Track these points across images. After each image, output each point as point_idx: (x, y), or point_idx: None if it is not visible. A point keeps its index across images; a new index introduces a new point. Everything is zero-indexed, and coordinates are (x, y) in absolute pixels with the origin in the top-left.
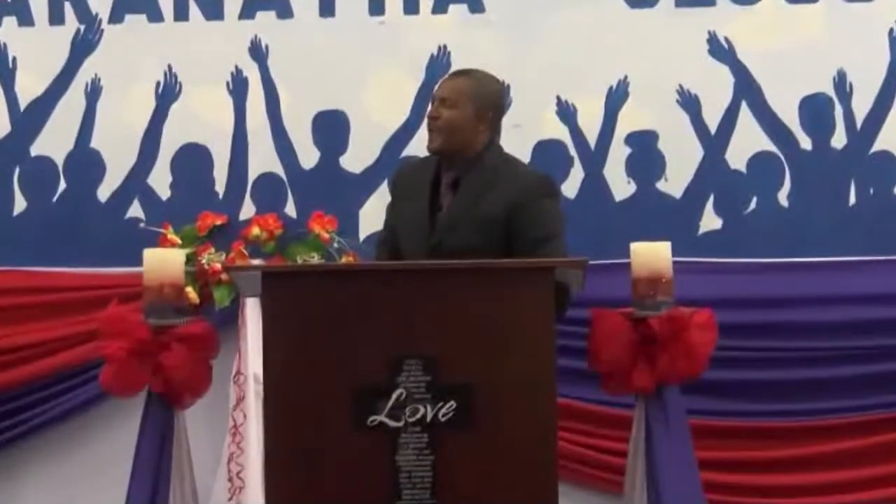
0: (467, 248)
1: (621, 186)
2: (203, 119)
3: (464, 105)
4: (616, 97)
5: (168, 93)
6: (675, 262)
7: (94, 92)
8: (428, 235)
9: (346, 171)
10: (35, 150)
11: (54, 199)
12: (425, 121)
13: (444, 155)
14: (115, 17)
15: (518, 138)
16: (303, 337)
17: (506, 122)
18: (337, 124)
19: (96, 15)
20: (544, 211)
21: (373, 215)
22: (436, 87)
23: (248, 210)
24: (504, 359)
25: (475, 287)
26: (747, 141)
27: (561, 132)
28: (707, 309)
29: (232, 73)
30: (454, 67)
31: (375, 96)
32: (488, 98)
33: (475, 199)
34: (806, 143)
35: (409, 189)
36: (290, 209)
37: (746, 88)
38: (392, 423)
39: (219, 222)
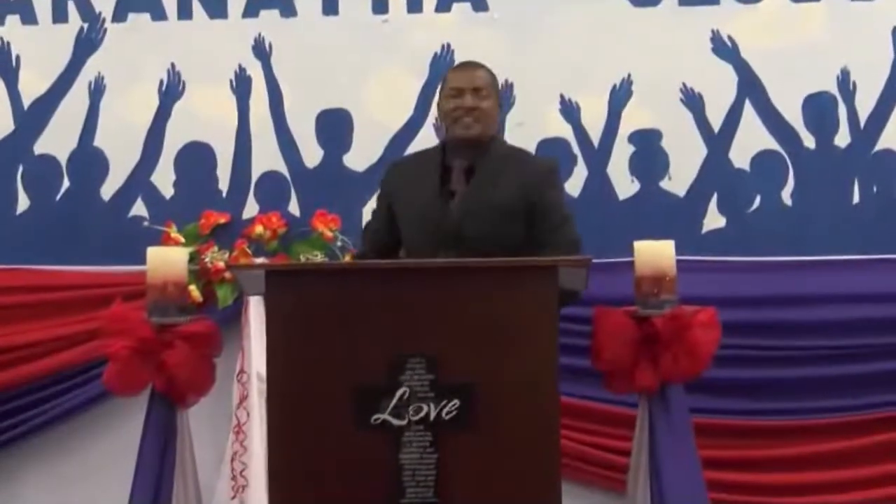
0: (489, 233)
1: (625, 185)
2: (206, 117)
3: (493, 95)
4: (619, 95)
5: (171, 91)
6: (678, 261)
7: (97, 90)
8: (440, 222)
9: (350, 169)
10: (38, 148)
11: (57, 197)
12: (433, 110)
13: (463, 144)
14: (119, 16)
15: (522, 136)
16: (306, 335)
17: (509, 119)
18: (340, 123)
19: (99, 13)
20: (558, 194)
21: None
22: (452, 77)
23: (251, 208)
24: (507, 357)
25: (478, 286)
26: (751, 139)
27: (564, 130)
28: (710, 307)
29: (235, 72)
30: None
31: (379, 95)
32: (499, 89)
33: (492, 184)
34: (809, 141)
35: (412, 180)
36: (294, 207)
37: (750, 87)
38: (395, 422)
39: (222, 221)
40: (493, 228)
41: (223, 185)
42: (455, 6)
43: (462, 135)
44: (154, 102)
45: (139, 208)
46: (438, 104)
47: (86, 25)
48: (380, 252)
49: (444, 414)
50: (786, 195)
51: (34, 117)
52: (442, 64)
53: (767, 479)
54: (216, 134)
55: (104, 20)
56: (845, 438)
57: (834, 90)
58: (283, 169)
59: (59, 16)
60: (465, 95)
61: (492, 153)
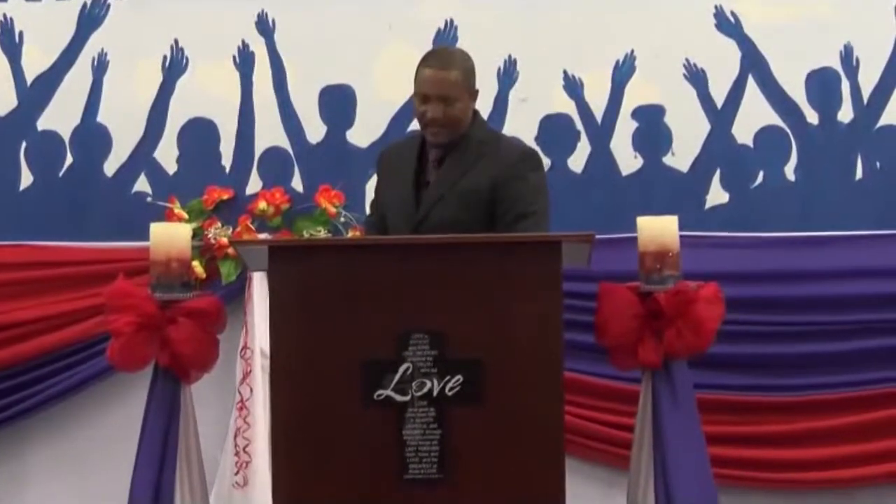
0: (451, 222)
1: (628, 160)
2: (210, 93)
3: (462, 97)
4: (623, 71)
5: (175, 67)
6: (681, 237)
7: (100, 66)
8: (412, 211)
9: (353, 145)
10: (41, 124)
11: (61, 173)
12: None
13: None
14: None
15: (525, 112)
16: (310, 311)
17: (513, 95)
18: (343, 98)
19: None
20: (527, 186)
21: None
22: (421, 79)
23: (254, 184)
24: (511, 333)
25: (482, 262)
26: (754, 115)
27: (568, 106)
28: (714, 283)
29: (239, 48)
30: (461, 42)
31: (382, 70)
32: (472, 79)
33: (460, 173)
34: (813, 117)
35: (395, 168)
36: (297, 183)
37: (753, 62)
38: (399, 398)
39: (225, 196)
40: (460, 216)
41: (226, 160)
42: None
43: (431, 142)
44: (157, 78)
45: (142, 184)
46: (414, 97)
47: (89, 1)
48: None
49: (447, 390)
50: (789, 171)
51: (37, 93)
52: (445, 40)
53: (771, 455)
54: (219, 110)
55: None
56: (849, 414)
57: (837, 66)
58: (286, 145)
59: None
60: (431, 102)
61: (468, 139)
